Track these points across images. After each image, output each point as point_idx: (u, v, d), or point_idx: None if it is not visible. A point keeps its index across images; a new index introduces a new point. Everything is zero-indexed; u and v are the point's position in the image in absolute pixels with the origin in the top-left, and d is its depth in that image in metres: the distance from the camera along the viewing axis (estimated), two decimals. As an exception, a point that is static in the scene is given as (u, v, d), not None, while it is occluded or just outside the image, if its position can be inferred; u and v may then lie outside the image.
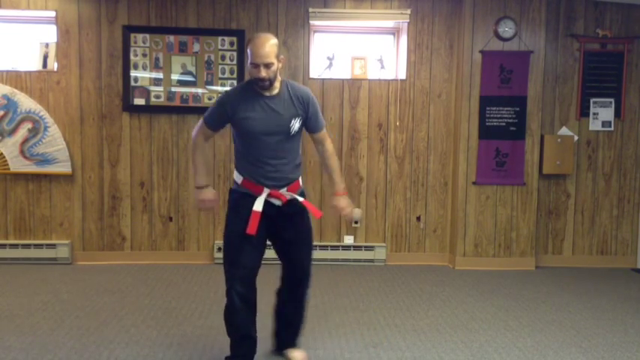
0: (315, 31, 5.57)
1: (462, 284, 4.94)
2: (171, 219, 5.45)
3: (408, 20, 5.43)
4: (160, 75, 5.31)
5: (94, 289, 4.56)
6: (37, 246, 5.31)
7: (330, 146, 3.18)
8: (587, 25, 5.53)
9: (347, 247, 5.53)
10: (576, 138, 5.57)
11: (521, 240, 5.49)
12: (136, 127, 5.37)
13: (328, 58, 5.60)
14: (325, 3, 5.41)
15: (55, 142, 5.24)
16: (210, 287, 4.66)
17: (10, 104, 5.18)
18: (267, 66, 2.83)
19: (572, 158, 5.53)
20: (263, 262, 3.06)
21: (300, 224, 3.10)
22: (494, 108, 5.36)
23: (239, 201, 3.00)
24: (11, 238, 5.36)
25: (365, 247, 5.54)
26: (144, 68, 5.30)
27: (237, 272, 2.95)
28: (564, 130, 5.56)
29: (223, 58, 5.35)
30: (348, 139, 5.48)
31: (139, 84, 5.31)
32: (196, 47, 5.32)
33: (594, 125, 5.59)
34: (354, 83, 5.49)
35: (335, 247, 5.52)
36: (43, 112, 5.22)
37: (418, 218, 5.61)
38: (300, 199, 3.07)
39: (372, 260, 5.53)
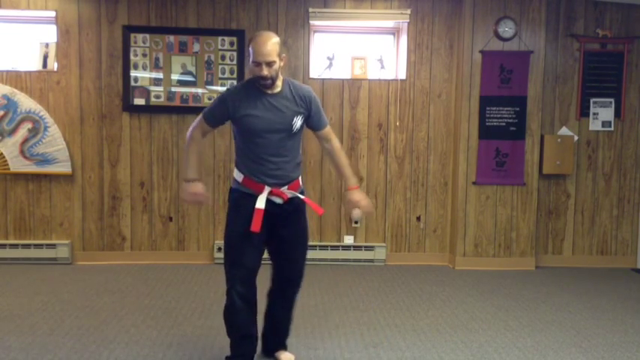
0: (315, 31, 5.57)
1: (462, 284, 4.94)
2: (171, 219, 5.46)
3: (408, 20, 5.43)
4: (160, 75, 5.31)
5: (94, 289, 4.56)
6: (37, 246, 5.31)
7: (336, 142, 3.19)
8: (587, 25, 5.53)
9: (347, 247, 5.53)
10: (576, 138, 5.57)
11: (521, 240, 5.49)
12: (136, 127, 5.37)
13: (328, 58, 5.60)
14: (325, 3, 5.41)
15: (55, 142, 5.24)
16: (210, 287, 4.66)
17: (10, 104, 5.18)
18: (269, 64, 2.83)
19: (572, 158, 5.53)
20: (263, 262, 3.06)
21: (298, 223, 3.10)
22: (494, 108, 5.36)
23: (239, 201, 3.00)
24: (11, 238, 5.36)
25: (365, 247, 5.54)
26: (144, 68, 5.30)
27: (238, 272, 2.95)
28: (564, 130, 5.56)
29: (223, 58, 5.35)
30: (348, 139, 5.48)
31: (139, 84, 5.31)
32: (196, 47, 5.32)
33: (594, 125, 5.59)
34: (354, 83, 5.49)
35: (335, 247, 5.52)
36: (43, 112, 5.22)
37: (418, 218, 5.61)
38: (302, 196, 3.07)
39: (372, 260, 5.53)
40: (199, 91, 5.34)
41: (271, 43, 2.84)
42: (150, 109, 5.34)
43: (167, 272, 5.10)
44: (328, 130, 3.16)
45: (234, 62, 5.34)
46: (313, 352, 3.42)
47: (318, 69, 5.58)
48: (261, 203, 2.91)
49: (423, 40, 5.49)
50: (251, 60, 2.87)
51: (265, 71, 2.83)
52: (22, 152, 5.22)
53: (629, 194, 5.68)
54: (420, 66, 5.51)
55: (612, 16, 5.53)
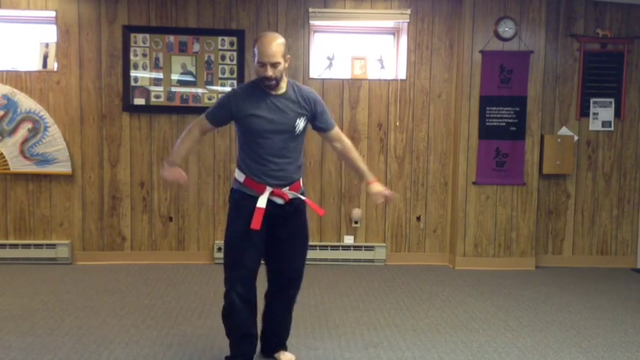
0: (315, 31, 5.57)
1: (462, 284, 4.94)
2: (171, 219, 5.46)
3: (408, 20, 5.43)
4: (160, 75, 5.31)
5: (94, 289, 4.56)
6: (37, 246, 5.31)
7: (348, 141, 3.21)
8: (587, 25, 5.53)
9: (347, 247, 5.53)
10: (576, 138, 5.57)
11: (521, 240, 5.49)
12: (136, 127, 5.37)
13: (328, 58, 5.60)
14: (325, 3, 5.41)
15: (55, 142, 5.24)
16: (210, 287, 4.66)
17: (10, 104, 5.18)
18: (274, 65, 2.84)
19: (572, 158, 5.53)
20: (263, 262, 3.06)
21: (298, 224, 3.10)
22: (494, 108, 5.36)
23: (240, 202, 3.00)
24: (11, 238, 5.36)
25: (365, 247, 5.54)
26: (144, 68, 5.30)
27: (238, 273, 2.95)
28: (564, 130, 5.56)
29: (223, 58, 5.35)
30: (348, 139, 5.46)
31: (139, 84, 5.31)
32: (196, 47, 5.32)
33: (594, 125, 5.59)
34: (354, 83, 5.49)
35: (335, 247, 5.52)
36: (43, 112, 5.22)
37: (418, 218, 5.61)
38: (303, 197, 3.08)
39: (372, 260, 5.53)
40: (199, 91, 5.34)
41: (276, 44, 2.85)
42: (150, 109, 5.34)
43: (167, 272, 5.10)
44: (337, 131, 3.17)
45: (234, 62, 5.34)
46: (313, 352, 3.42)
47: (318, 69, 5.58)
48: (262, 202, 2.92)
49: (423, 40, 5.49)
50: (256, 60, 2.88)
51: (270, 72, 2.84)
52: (22, 152, 5.22)
53: (629, 194, 5.68)
54: (420, 66, 5.51)
55: (612, 16, 5.53)
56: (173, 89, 5.33)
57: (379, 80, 5.53)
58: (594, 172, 5.64)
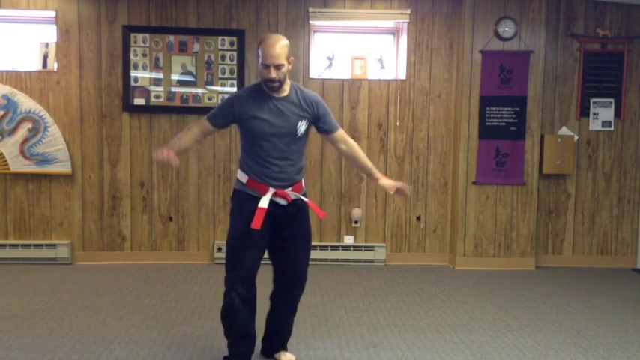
0: (315, 31, 5.57)
1: (462, 284, 4.94)
2: (171, 219, 5.46)
3: (408, 20, 5.43)
4: (160, 75, 5.31)
5: (94, 289, 4.56)
6: (37, 246, 5.31)
7: (352, 141, 3.20)
8: (587, 25, 5.53)
9: (347, 247, 5.53)
10: (576, 138, 5.57)
11: (521, 240, 5.49)
12: (136, 127, 5.37)
13: (328, 58, 5.60)
14: (325, 3, 5.41)
15: (55, 142, 5.24)
16: (210, 287, 4.66)
17: (10, 104, 5.18)
18: (278, 67, 2.86)
19: (572, 158, 5.53)
20: (264, 262, 3.06)
21: (301, 224, 3.11)
22: (494, 108, 5.36)
23: (243, 202, 3.01)
24: (11, 238, 5.36)
25: (365, 247, 5.54)
26: (144, 68, 5.30)
27: (238, 273, 2.96)
28: (564, 130, 5.56)
29: (223, 58, 5.35)
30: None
31: (139, 84, 5.31)
32: (196, 47, 5.32)
33: (594, 125, 5.59)
34: (354, 83, 5.49)
35: (335, 247, 5.52)
36: (43, 112, 5.22)
37: (418, 218, 5.61)
38: (305, 199, 3.09)
39: (372, 260, 5.53)
40: (199, 91, 5.34)
41: (280, 46, 2.87)
42: (150, 109, 5.34)
43: (167, 272, 5.10)
44: (341, 133, 3.17)
45: (234, 62, 5.34)
46: (313, 352, 3.42)
47: (318, 69, 5.58)
48: (264, 203, 2.93)
49: (423, 40, 5.49)
50: (260, 62, 2.91)
51: (273, 74, 2.86)
52: (22, 152, 5.22)
53: (629, 194, 5.68)
54: (420, 66, 5.51)
55: (612, 16, 5.53)
56: (173, 89, 5.33)
57: (379, 80, 5.53)
58: (594, 172, 5.64)
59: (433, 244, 5.64)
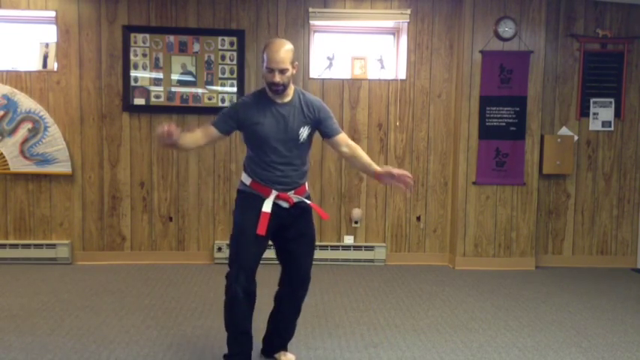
0: (315, 31, 5.57)
1: (462, 284, 4.94)
2: (171, 219, 5.46)
3: (408, 20, 5.43)
4: (160, 75, 5.31)
5: (94, 289, 4.56)
6: (37, 246, 5.31)
7: (354, 144, 3.19)
8: (587, 25, 5.53)
9: (347, 247, 5.53)
10: (576, 138, 5.57)
11: (521, 240, 5.49)
12: (136, 127, 5.37)
13: (328, 58, 5.60)
14: (325, 3, 5.41)
15: (55, 142, 5.24)
16: (210, 287, 4.66)
17: (10, 104, 5.18)
18: (282, 71, 2.90)
19: (572, 158, 5.53)
20: (263, 262, 3.07)
21: (305, 226, 3.14)
22: (494, 108, 5.36)
23: (247, 199, 3.05)
24: (11, 238, 5.36)
25: (365, 247, 5.54)
26: (144, 68, 5.30)
27: (241, 266, 2.97)
28: (564, 130, 5.56)
29: (223, 58, 5.34)
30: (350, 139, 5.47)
31: (139, 84, 5.31)
32: (196, 47, 5.32)
33: (594, 125, 5.59)
34: (354, 83, 5.49)
35: (335, 247, 5.52)
36: (43, 112, 5.22)
37: (418, 218, 5.61)
38: (308, 201, 3.12)
39: (372, 260, 5.53)
40: (199, 91, 5.34)
41: (284, 51, 2.91)
42: (150, 109, 5.33)
43: (167, 272, 5.10)
44: (343, 137, 3.15)
45: (234, 62, 5.34)
46: (313, 352, 3.42)
47: (318, 69, 5.58)
48: (267, 207, 2.97)
49: (423, 40, 5.49)
50: (264, 66, 2.94)
51: (277, 78, 2.90)
52: (22, 152, 5.22)
53: (629, 194, 5.68)
54: (420, 66, 5.51)
55: (612, 16, 5.53)
56: (173, 89, 5.33)
57: (379, 80, 5.53)
58: (594, 172, 5.64)
59: (433, 244, 5.64)
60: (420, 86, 5.52)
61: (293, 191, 3.05)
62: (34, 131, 5.21)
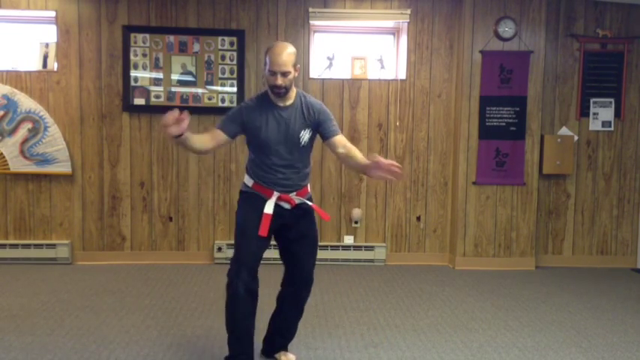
0: (315, 31, 5.57)
1: (462, 284, 4.94)
2: (171, 219, 5.46)
3: (408, 20, 5.43)
4: (160, 75, 5.31)
5: (94, 289, 4.56)
6: (37, 246, 5.31)
7: (350, 144, 3.12)
8: (587, 25, 5.53)
9: (347, 247, 5.53)
10: (576, 138, 5.57)
11: (521, 240, 5.49)
12: (136, 127, 5.37)
13: (328, 58, 5.60)
14: (325, 3, 5.40)
15: (55, 142, 5.24)
16: (210, 287, 4.66)
17: (10, 104, 5.18)
18: (284, 74, 2.92)
19: (572, 158, 5.53)
20: (265, 262, 3.08)
21: (307, 226, 3.14)
22: (494, 108, 5.36)
23: (249, 199, 3.07)
24: (11, 238, 5.36)
25: (365, 247, 5.54)
26: (144, 68, 5.30)
27: (243, 262, 2.97)
28: (564, 130, 5.56)
29: (223, 58, 5.34)
30: (348, 139, 5.37)
31: (139, 84, 5.31)
32: (196, 47, 5.32)
33: (594, 125, 5.59)
34: (354, 83, 5.49)
35: (335, 247, 5.52)
36: (43, 112, 5.22)
37: (418, 218, 5.61)
38: (309, 202, 3.13)
39: (372, 260, 5.53)
40: (199, 91, 5.34)
41: (287, 54, 2.92)
42: (150, 109, 5.33)
43: (167, 272, 5.10)
44: (340, 138, 3.10)
45: (234, 62, 5.34)
46: (313, 352, 3.42)
47: (318, 69, 5.58)
48: (269, 208, 2.99)
49: (423, 40, 5.49)
50: (267, 69, 2.95)
51: (280, 81, 2.92)
52: (22, 152, 5.22)
53: (629, 194, 5.68)
54: (420, 66, 5.51)
55: (612, 16, 5.53)
56: (173, 89, 5.33)
57: (379, 80, 5.53)
58: (594, 172, 5.64)
59: (433, 244, 5.64)
60: (420, 86, 5.52)
61: (295, 193, 3.06)
62: (34, 131, 5.21)
